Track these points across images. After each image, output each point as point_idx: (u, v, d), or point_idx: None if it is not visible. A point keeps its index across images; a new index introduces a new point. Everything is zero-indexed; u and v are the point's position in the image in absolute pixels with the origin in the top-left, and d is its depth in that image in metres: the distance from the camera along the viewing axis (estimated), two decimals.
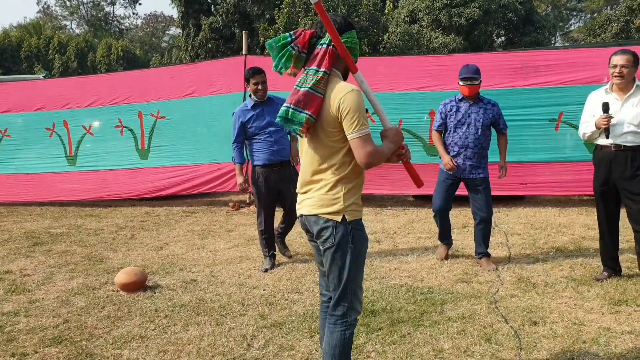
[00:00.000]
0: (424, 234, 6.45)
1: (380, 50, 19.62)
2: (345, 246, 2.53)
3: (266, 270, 5.16)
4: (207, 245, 6.22)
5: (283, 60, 2.50)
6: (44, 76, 21.07)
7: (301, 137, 2.58)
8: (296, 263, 5.38)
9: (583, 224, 6.77)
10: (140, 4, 70.93)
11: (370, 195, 9.02)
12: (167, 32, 57.09)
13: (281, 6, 19.02)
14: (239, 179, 5.29)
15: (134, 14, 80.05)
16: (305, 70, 2.50)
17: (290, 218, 5.48)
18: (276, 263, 5.34)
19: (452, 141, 5.15)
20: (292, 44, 2.49)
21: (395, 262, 5.34)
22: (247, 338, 3.60)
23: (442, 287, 4.54)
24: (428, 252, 5.65)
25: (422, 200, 8.32)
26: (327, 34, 2.46)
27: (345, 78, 2.60)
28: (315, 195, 2.56)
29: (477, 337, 3.53)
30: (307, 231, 2.69)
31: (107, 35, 45.91)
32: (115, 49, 36.60)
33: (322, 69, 2.43)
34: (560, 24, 35.73)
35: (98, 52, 36.75)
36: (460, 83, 5.04)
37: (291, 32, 2.51)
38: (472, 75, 4.97)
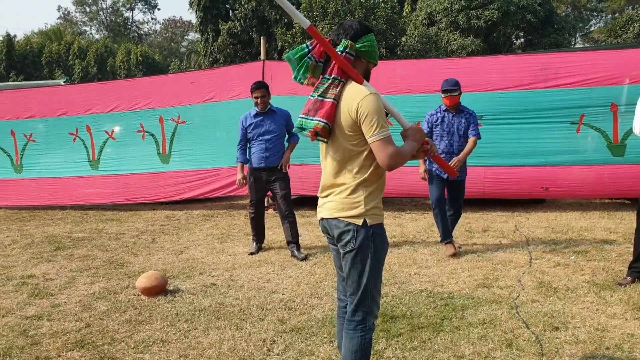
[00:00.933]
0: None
1: (398, 53, 19.60)
2: (366, 250, 2.53)
3: (251, 254, 5.94)
4: (226, 249, 6.25)
5: (302, 71, 2.55)
6: (64, 82, 21.32)
7: (325, 142, 2.59)
8: (315, 267, 5.39)
9: (605, 227, 6.68)
10: (159, 9, 71.89)
11: (389, 198, 9.02)
12: (186, 37, 57.59)
13: (299, 11, 19.09)
14: (239, 176, 5.95)
15: (152, 19, 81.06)
16: (321, 79, 2.55)
17: (286, 220, 5.92)
18: (295, 266, 5.36)
19: (437, 148, 5.31)
20: (309, 55, 2.54)
21: (415, 267, 5.32)
22: (266, 343, 3.61)
23: (462, 292, 4.52)
24: (448, 257, 5.62)
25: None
26: (343, 42, 2.51)
27: (368, 80, 2.61)
28: (336, 199, 2.57)
29: (498, 342, 3.50)
30: (328, 234, 2.70)
31: (126, 41, 46.47)
32: (134, 54, 37.01)
33: (333, 76, 2.49)
34: (581, 24, 35.29)
35: (117, 57, 37.19)
36: (442, 95, 5.56)
37: (308, 43, 2.56)
38: (451, 87, 5.50)
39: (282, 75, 8.25)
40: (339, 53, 2.49)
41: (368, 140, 2.45)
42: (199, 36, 28.87)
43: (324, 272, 5.20)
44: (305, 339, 3.66)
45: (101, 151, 9.41)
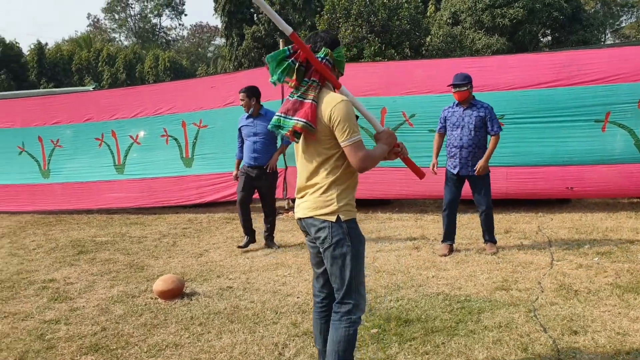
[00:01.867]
0: (465, 240, 6.32)
1: (423, 52, 19.44)
2: (343, 244, 2.68)
3: (239, 247, 6.36)
4: (245, 252, 6.27)
5: (284, 73, 2.66)
6: (93, 88, 21.75)
7: (295, 142, 2.74)
8: None
9: (632, 227, 6.51)
10: (186, 15, 72.74)
11: (410, 200, 8.94)
12: (213, 42, 58.15)
13: (322, 13, 19.11)
14: (234, 171, 6.55)
15: (180, 25, 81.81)
16: (301, 82, 2.67)
17: (267, 219, 6.46)
18: (312, 269, 5.33)
19: (449, 142, 5.72)
20: (292, 58, 2.65)
21: (434, 269, 5.25)
22: (278, 347, 3.60)
23: (480, 295, 4.44)
24: (468, 259, 5.54)
25: (465, 205, 8.10)
26: (323, 49, 2.68)
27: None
28: (311, 199, 2.72)
29: (514, 346, 3.42)
30: (306, 233, 2.83)
31: (154, 47, 47.12)
32: (162, 60, 37.50)
33: (312, 79, 2.65)
34: (611, 21, 34.56)
35: (146, 64, 37.73)
36: (452, 90, 5.60)
37: (289, 47, 2.67)
38: (459, 82, 5.53)
39: None
40: (320, 60, 2.65)
41: (341, 144, 2.61)
42: (225, 41, 29.12)
43: None
44: None
45: (126, 155, 9.54)
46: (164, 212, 9.29)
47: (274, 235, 6.56)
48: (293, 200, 9.05)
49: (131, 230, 8.00)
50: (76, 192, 9.70)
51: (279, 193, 8.73)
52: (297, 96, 2.65)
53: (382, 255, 5.83)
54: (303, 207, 2.77)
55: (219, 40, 50.59)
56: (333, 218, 2.67)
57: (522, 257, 5.47)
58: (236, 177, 6.48)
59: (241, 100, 6.24)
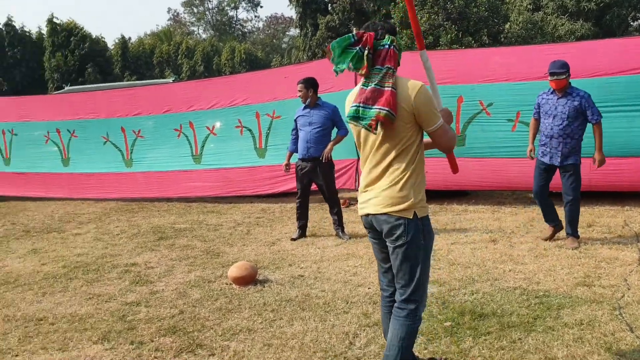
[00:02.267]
0: (544, 234, 6.06)
1: (502, 40, 18.79)
2: (418, 243, 2.61)
3: (293, 239, 6.43)
4: (316, 242, 6.31)
5: (353, 62, 2.57)
6: (173, 80, 22.51)
7: (374, 133, 2.59)
8: None
9: None
10: (261, 7, 73.75)
11: (487, 192, 8.69)
12: (287, 33, 58.72)
13: (397, 1, 18.83)
14: (285, 162, 6.66)
15: (255, 17, 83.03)
16: (371, 70, 2.58)
17: (332, 210, 6.52)
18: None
19: (542, 130, 5.64)
20: (360, 46, 2.57)
21: (511, 263, 5.08)
22: (349, 336, 3.59)
23: (559, 290, 4.25)
24: (547, 253, 5.32)
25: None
26: (387, 36, 2.60)
27: None
28: (384, 195, 2.61)
29: (596, 345, 3.26)
30: (371, 229, 2.75)
31: (230, 39, 48.10)
32: (238, 51, 38.21)
33: (386, 65, 2.55)
34: None
35: (222, 56, 38.56)
36: (549, 78, 5.43)
37: (354, 34, 2.60)
38: (557, 70, 5.33)
39: None
40: (386, 47, 2.57)
41: (430, 129, 2.54)
42: (299, 31, 29.31)
43: None
44: None
45: (203, 146, 9.80)
46: (239, 202, 9.50)
47: (343, 225, 6.58)
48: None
49: (208, 218, 8.23)
50: (157, 181, 10.08)
51: (350, 184, 8.71)
52: (375, 84, 2.53)
53: (456, 247, 5.70)
54: (374, 203, 2.65)
55: (294, 31, 51.03)
56: (410, 215, 2.58)
57: (606, 253, 5.20)
58: (286, 168, 6.62)
59: (299, 91, 6.35)
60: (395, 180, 2.59)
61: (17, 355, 3.59)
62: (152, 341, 3.68)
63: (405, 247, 2.59)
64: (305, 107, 6.39)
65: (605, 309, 3.81)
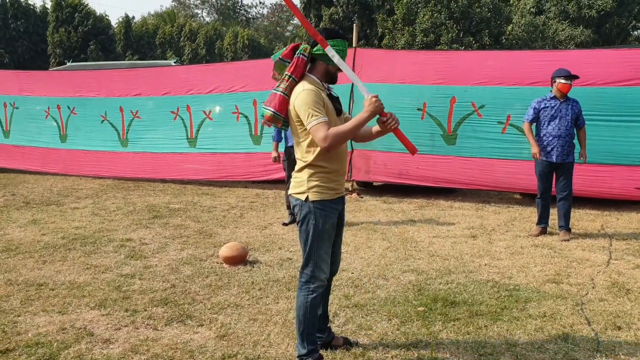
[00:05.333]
0: (524, 233, 6.36)
1: (503, 41, 18.98)
2: (308, 222, 3.00)
3: (285, 224, 6.69)
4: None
5: (279, 71, 3.05)
6: (175, 62, 22.62)
7: (269, 127, 3.31)
8: (387, 251, 5.57)
9: None
10: None
11: (474, 190, 8.95)
12: (291, 21, 58.60)
13: None
14: (273, 153, 7.02)
15: (260, 3, 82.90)
16: (282, 76, 3.01)
17: None
18: (369, 248, 5.59)
19: (546, 132, 6.08)
20: (281, 56, 3.05)
21: (487, 258, 5.36)
22: (330, 315, 3.86)
23: (529, 285, 4.54)
24: (523, 251, 5.61)
25: (530, 199, 8.08)
26: (302, 45, 3.01)
27: (332, 81, 3.09)
28: (292, 180, 3.09)
29: (555, 335, 3.54)
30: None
31: (234, 24, 48.07)
32: (241, 37, 38.22)
33: (287, 74, 2.98)
34: None
35: (225, 40, 38.60)
36: (562, 81, 5.97)
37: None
38: (572, 75, 5.96)
39: (372, 63, 8.39)
40: (297, 56, 2.98)
41: (307, 128, 2.91)
42: None
43: (395, 256, 5.37)
44: (366, 315, 3.88)
45: (199, 130, 9.99)
46: (234, 186, 9.75)
47: None
48: (357, 183, 9.29)
49: (202, 200, 8.48)
50: (151, 162, 10.27)
51: None
52: (274, 89, 2.99)
53: (438, 240, 5.98)
54: (290, 185, 3.14)
55: (297, 21, 51.01)
56: (302, 197, 2.99)
57: (578, 254, 5.49)
58: (275, 159, 6.96)
59: None
60: (298, 168, 3.06)
61: (19, 316, 3.85)
62: (145, 310, 3.95)
63: (299, 223, 3.05)
64: None
65: (569, 304, 4.10)
